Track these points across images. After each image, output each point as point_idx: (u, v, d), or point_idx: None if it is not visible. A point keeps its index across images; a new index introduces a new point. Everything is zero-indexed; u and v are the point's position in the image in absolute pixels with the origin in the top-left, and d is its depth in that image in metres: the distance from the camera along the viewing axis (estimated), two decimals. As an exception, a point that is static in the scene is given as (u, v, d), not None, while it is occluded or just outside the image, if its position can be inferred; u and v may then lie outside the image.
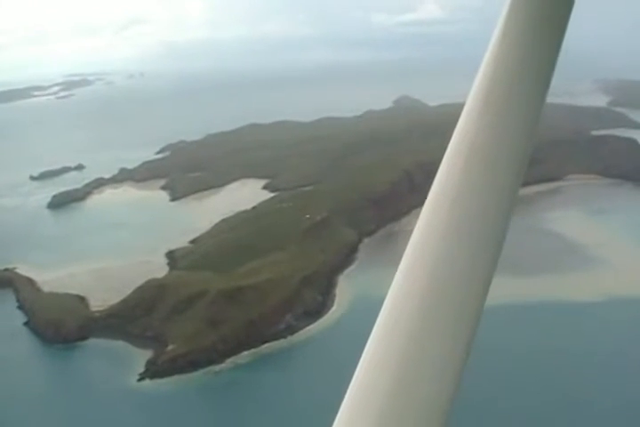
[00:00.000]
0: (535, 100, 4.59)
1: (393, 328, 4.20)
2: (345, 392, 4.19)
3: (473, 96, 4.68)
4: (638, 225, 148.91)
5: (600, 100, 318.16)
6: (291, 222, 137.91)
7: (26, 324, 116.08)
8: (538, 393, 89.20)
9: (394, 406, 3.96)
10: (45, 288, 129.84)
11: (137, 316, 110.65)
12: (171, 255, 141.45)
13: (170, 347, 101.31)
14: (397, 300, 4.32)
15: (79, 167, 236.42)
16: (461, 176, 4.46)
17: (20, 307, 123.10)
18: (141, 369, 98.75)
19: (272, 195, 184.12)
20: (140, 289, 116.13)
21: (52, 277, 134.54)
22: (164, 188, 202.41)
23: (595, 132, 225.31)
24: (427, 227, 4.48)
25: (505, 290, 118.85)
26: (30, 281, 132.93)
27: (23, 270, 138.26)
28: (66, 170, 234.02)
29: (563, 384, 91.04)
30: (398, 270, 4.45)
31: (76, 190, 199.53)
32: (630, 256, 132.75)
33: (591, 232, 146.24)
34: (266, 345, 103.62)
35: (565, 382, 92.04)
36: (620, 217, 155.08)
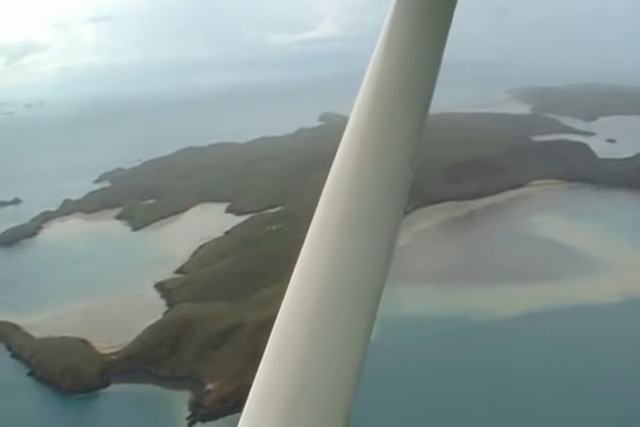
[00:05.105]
0: (422, 95, 4.77)
1: (292, 328, 4.21)
2: None
3: (362, 94, 4.81)
4: (617, 226, 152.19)
5: (522, 108, 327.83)
6: (292, 246, 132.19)
7: (30, 374, 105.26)
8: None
9: (294, 406, 4.00)
10: (34, 333, 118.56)
11: (161, 356, 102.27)
12: (161, 287, 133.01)
13: (210, 386, 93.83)
14: (295, 300, 4.30)
15: (16, 201, 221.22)
16: (354, 173, 4.53)
17: (15, 356, 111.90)
18: (185, 413, 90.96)
19: (239, 218, 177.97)
20: (157, 326, 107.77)
21: (35, 320, 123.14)
22: (119, 217, 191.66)
23: (537, 138, 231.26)
24: (322, 223, 4.47)
25: (522, 299, 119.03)
26: (15, 327, 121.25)
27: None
28: (2, 205, 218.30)
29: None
30: (296, 267, 4.41)
31: (25, 226, 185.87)
32: (628, 256, 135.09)
33: (578, 235, 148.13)
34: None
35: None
36: (596, 219, 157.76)
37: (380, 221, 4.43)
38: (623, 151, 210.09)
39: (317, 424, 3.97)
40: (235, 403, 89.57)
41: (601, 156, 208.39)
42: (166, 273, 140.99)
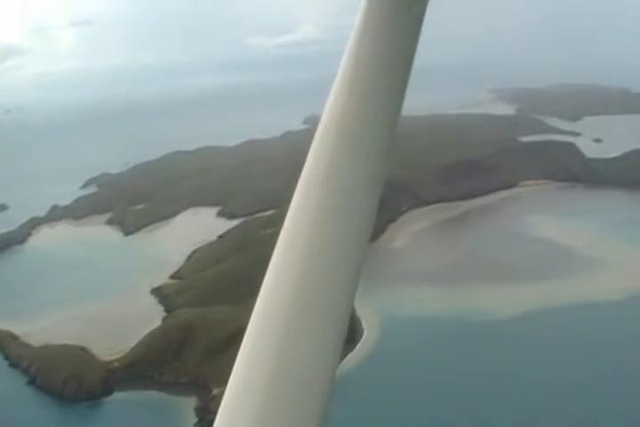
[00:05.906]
0: (397, 86, 4.75)
1: (268, 322, 4.22)
2: None
3: (336, 86, 4.76)
4: (610, 225, 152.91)
5: (507, 109, 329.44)
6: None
7: (30, 383, 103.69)
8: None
9: (271, 401, 4.00)
10: (32, 341, 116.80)
11: (164, 362, 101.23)
12: (158, 293, 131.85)
13: (216, 391, 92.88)
14: (271, 293, 4.30)
15: (3, 207, 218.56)
16: (329, 166, 4.55)
17: (13, 365, 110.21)
18: (192, 419, 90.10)
19: (231, 222, 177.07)
20: (159, 332, 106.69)
21: (32, 328, 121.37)
22: (110, 222, 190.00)
23: (525, 139, 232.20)
24: (297, 216, 4.51)
25: (521, 298, 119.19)
26: (11, 335, 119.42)
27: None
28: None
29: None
30: (271, 260, 4.43)
31: (13, 232, 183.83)
32: (623, 254, 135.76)
33: (572, 234, 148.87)
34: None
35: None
36: (589, 218, 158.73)
37: (356, 213, 4.44)
38: (610, 151, 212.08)
39: (293, 419, 3.96)
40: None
41: (588, 155, 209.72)
42: (162, 278, 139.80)
